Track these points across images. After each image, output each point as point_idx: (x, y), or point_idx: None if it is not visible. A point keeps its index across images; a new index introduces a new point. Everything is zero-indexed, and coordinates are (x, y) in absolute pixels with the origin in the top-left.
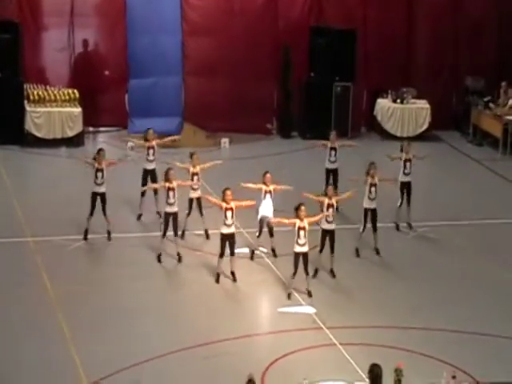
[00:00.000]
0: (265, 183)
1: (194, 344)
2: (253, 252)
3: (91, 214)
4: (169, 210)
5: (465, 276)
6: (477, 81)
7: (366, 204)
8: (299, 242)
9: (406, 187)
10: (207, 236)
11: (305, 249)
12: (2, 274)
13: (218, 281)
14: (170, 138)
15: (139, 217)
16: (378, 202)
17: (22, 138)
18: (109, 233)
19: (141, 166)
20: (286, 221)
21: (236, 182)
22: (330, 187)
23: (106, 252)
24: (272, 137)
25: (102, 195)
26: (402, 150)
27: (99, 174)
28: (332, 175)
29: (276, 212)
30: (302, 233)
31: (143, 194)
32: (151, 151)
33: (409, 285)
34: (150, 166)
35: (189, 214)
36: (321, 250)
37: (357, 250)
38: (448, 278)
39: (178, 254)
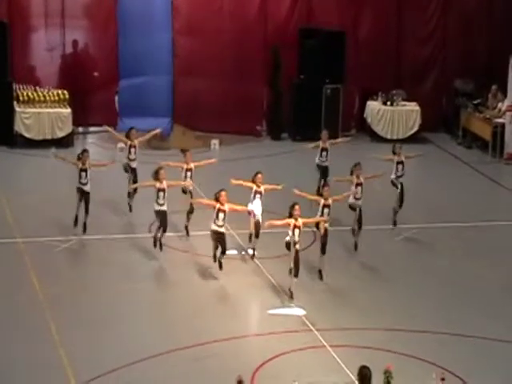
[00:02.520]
0: (255, 183)
1: (184, 345)
2: (253, 253)
3: (79, 202)
4: (158, 208)
5: (453, 278)
6: (466, 83)
7: (351, 201)
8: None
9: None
10: (187, 233)
11: (298, 247)
12: None
13: (220, 267)
14: (151, 134)
15: (130, 208)
16: (365, 204)
17: (12, 138)
18: (85, 225)
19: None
20: (279, 222)
21: (226, 184)
22: (326, 188)
23: (95, 253)
24: (262, 138)
25: (86, 195)
26: (394, 153)
27: (83, 174)
28: (322, 172)
29: (268, 213)
30: (296, 231)
31: (129, 193)
32: (133, 150)
33: (397, 287)
34: (132, 165)
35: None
36: (323, 251)
37: (355, 245)
38: (436, 280)
39: (161, 244)
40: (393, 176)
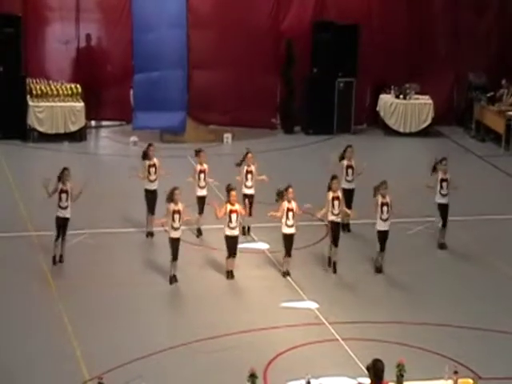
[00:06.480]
0: (247, 162)
1: (197, 338)
2: (243, 228)
3: (57, 238)
4: (174, 235)
5: (466, 271)
6: (479, 76)
7: (380, 226)
8: (288, 223)
9: (443, 209)
10: (199, 234)
11: (293, 230)
12: (5, 269)
13: (229, 277)
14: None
15: (148, 235)
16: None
17: (25, 132)
18: (61, 256)
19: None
20: (279, 213)
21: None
22: (335, 181)
23: (108, 247)
24: (275, 132)
25: (65, 221)
26: (434, 170)
27: (63, 196)
28: (347, 196)
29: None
30: (290, 214)
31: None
32: (153, 170)
33: (410, 280)
34: (152, 187)
35: (200, 212)
36: (336, 244)
37: (377, 266)
38: (449, 274)
39: (174, 277)
40: (438, 199)
